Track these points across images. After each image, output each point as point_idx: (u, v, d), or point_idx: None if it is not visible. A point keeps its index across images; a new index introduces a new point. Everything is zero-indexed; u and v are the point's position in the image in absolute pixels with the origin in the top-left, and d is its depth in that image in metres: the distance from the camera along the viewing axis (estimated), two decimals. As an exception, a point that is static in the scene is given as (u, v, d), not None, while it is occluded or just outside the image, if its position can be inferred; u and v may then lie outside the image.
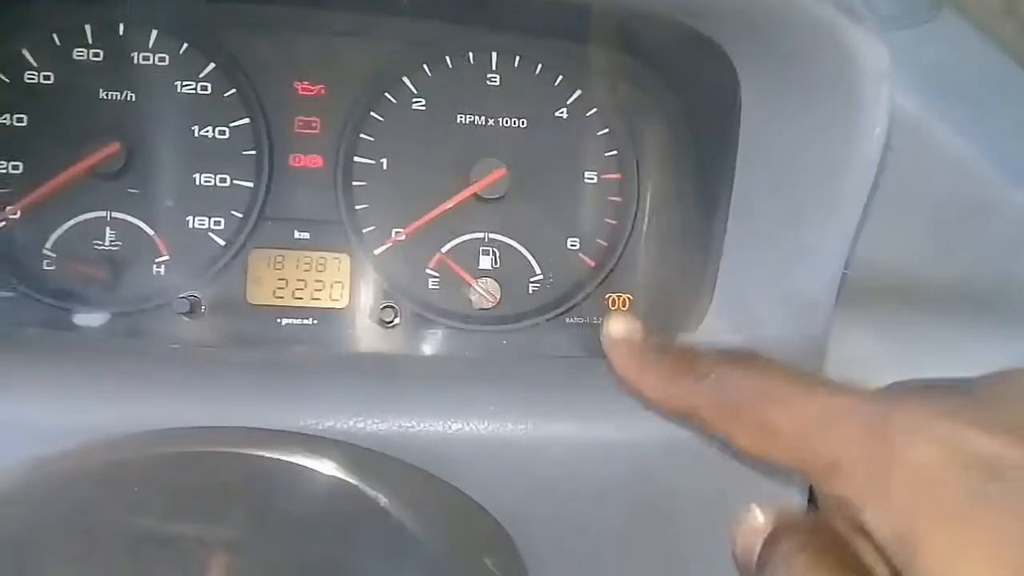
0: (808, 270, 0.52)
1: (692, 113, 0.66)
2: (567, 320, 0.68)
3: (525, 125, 0.68)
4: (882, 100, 0.45)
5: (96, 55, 0.65)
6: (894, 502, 0.30)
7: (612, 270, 0.68)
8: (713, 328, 0.59)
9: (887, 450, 0.31)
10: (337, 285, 0.66)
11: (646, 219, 0.69)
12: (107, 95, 0.65)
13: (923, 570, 0.28)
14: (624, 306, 0.69)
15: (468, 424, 0.51)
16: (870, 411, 0.33)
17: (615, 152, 0.68)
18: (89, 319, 0.64)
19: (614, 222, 0.68)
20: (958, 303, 0.64)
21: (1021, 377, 0.33)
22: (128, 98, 0.65)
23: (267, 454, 0.46)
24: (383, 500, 0.44)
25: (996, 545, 0.27)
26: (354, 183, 0.67)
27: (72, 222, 0.64)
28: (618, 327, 0.48)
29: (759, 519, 0.38)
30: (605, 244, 0.68)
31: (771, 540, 0.36)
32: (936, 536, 0.28)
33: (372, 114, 0.67)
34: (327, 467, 0.46)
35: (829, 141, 0.48)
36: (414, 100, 0.67)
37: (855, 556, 0.34)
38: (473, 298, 0.66)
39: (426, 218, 0.66)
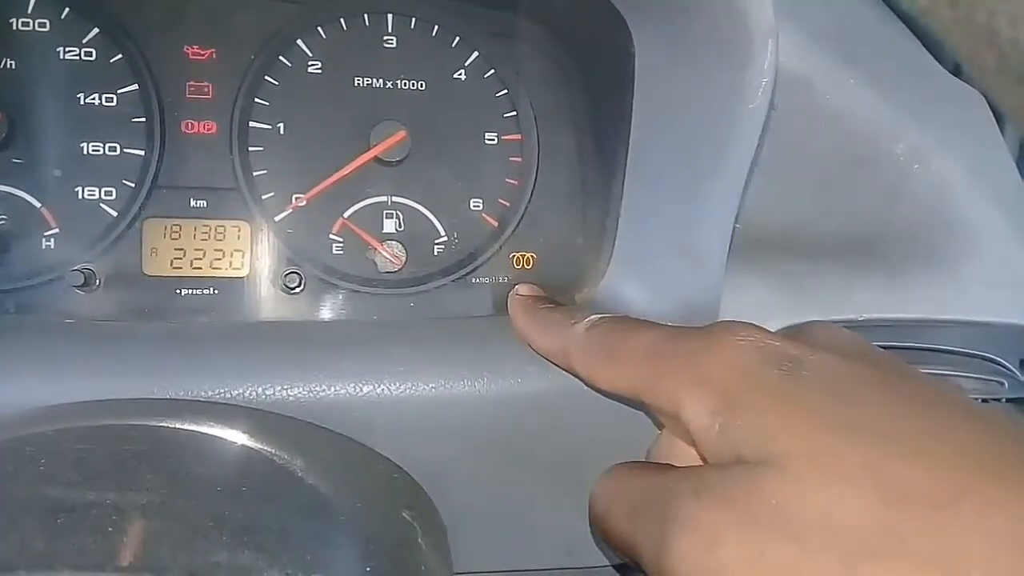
0: (702, 224, 0.54)
1: (588, 72, 0.67)
2: (473, 280, 0.69)
3: (424, 87, 0.68)
4: (769, 56, 0.47)
5: (-29, 22, 0.62)
6: (714, 386, 0.36)
7: (515, 229, 0.69)
8: (614, 282, 0.61)
9: (705, 352, 0.38)
10: (237, 253, 0.65)
11: (547, 179, 0.70)
12: None
13: (743, 426, 0.35)
14: (528, 264, 0.70)
15: (379, 386, 0.52)
16: (693, 332, 0.40)
17: (514, 113, 0.69)
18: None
19: (516, 182, 0.69)
20: (842, 251, 0.67)
21: (817, 326, 0.42)
22: (8, 66, 0.62)
23: (176, 425, 0.46)
24: (297, 464, 0.44)
25: (802, 411, 0.34)
26: (250, 149, 0.65)
27: (-47, 196, 0.61)
28: (523, 289, 0.59)
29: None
30: (507, 204, 0.69)
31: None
32: (753, 404, 0.35)
33: (266, 78, 0.65)
34: (237, 436, 0.46)
35: (719, 97, 0.50)
36: (309, 63, 0.66)
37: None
38: (378, 261, 0.66)
39: (327, 183, 0.65)
